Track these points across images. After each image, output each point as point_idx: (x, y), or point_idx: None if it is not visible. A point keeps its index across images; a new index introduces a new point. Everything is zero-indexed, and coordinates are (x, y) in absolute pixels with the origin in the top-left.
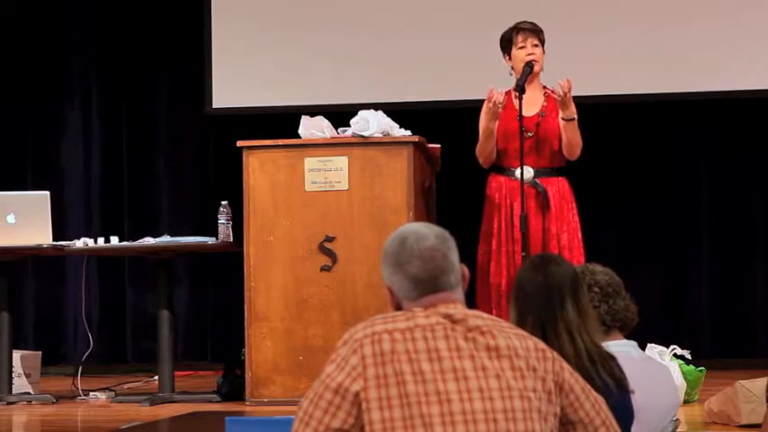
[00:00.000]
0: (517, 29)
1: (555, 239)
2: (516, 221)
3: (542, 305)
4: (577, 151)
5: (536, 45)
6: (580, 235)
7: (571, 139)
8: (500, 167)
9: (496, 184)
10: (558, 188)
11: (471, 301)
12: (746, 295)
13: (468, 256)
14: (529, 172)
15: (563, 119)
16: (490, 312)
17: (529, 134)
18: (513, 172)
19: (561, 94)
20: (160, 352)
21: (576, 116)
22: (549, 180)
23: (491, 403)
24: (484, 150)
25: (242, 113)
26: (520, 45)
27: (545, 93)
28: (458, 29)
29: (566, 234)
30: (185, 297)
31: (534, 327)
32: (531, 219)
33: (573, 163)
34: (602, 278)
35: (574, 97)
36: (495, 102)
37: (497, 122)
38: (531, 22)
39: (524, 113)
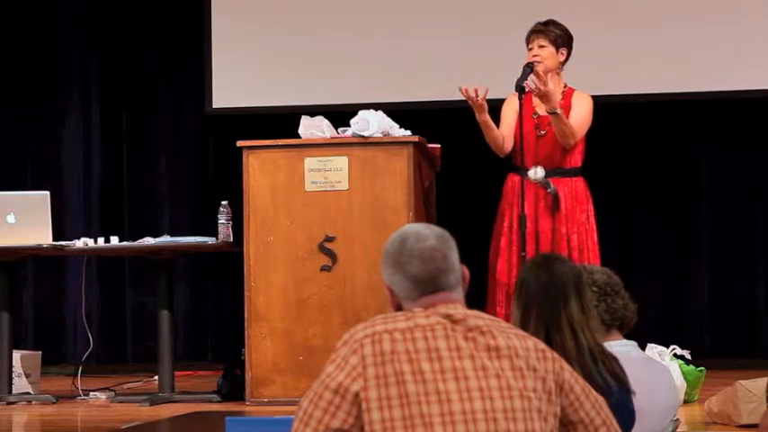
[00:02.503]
0: (531, 30)
1: (565, 240)
2: (528, 221)
3: (546, 302)
4: (570, 141)
5: (542, 46)
6: (595, 237)
7: (558, 132)
8: (515, 167)
9: (511, 183)
10: (571, 189)
11: (482, 299)
12: (746, 295)
13: (469, 256)
14: (541, 171)
15: (548, 113)
16: (496, 311)
17: (541, 132)
18: (525, 171)
19: (534, 90)
20: (160, 352)
21: (558, 110)
22: (562, 180)
23: (491, 403)
24: (489, 142)
25: (242, 113)
26: (529, 46)
27: (563, 92)
28: (458, 29)
29: (576, 235)
30: (185, 297)
31: (537, 323)
32: (540, 219)
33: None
34: (599, 277)
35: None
36: (468, 96)
37: (486, 114)
38: (545, 22)
39: (540, 112)
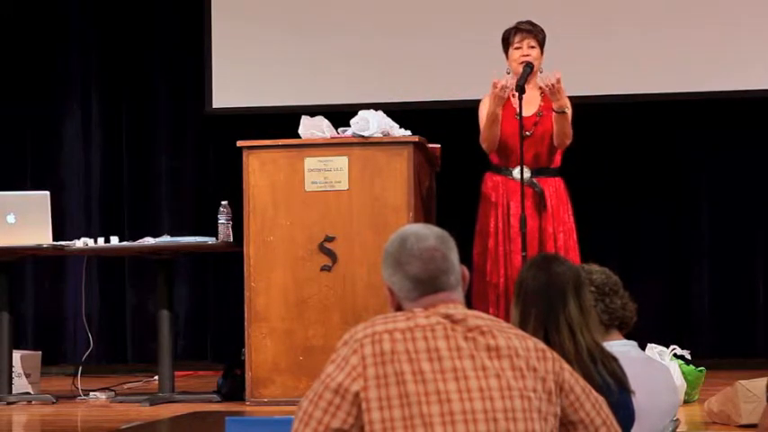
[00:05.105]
0: (515, 29)
1: (552, 239)
2: (513, 221)
3: (545, 303)
4: (567, 142)
5: (532, 46)
6: (575, 236)
7: (561, 132)
8: (497, 167)
9: (492, 183)
10: (555, 188)
11: (468, 301)
12: (746, 295)
13: (467, 256)
14: (527, 172)
15: (555, 111)
16: (487, 312)
17: (527, 134)
18: (511, 171)
19: (549, 85)
20: (160, 352)
21: (567, 109)
22: (546, 180)
23: (491, 403)
24: (488, 136)
25: (242, 113)
26: (516, 45)
27: (542, 93)
28: (458, 29)
29: (562, 234)
30: (185, 297)
31: (536, 324)
32: (527, 219)
33: (573, 163)
34: (598, 277)
35: (575, 96)
36: (501, 86)
37: (501, 109)
38: (530, 23)
39: (523, 113)
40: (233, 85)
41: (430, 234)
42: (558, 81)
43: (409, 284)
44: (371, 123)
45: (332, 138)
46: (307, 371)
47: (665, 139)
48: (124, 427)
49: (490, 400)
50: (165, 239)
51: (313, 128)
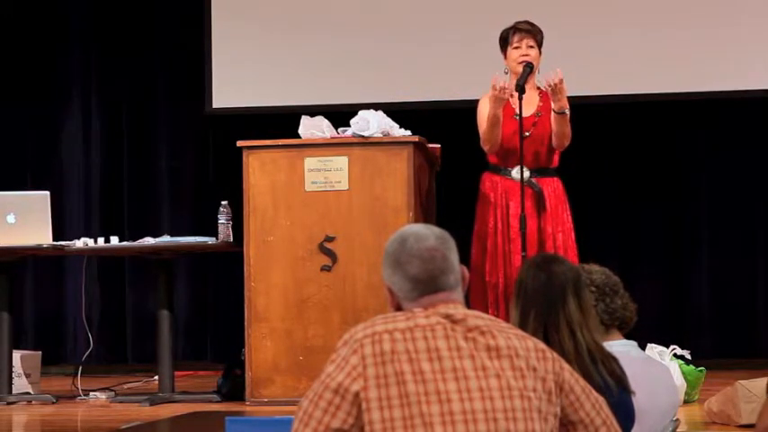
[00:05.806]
0: (514, 28)
1: (551, 239)
2: (512, 221)
3: (545, 302)
4: (566, 143)
5: (531, 46)
6: (574, 235)
7: (560, 132)
8: (495, 166)
9: (491, 183)
10: (554, 188)
11: (466, 301)
12: (746, 296)
13: (467, 256)
14: (525, 172)
15: (555, 111)
16: (486, 312)
17: (526, 134)
18: (510, 171)
19: (552, 84)
20: (160, 352)
21: (567, 110)
22: (545, 180)
23: (491, 403)
24: (490, 138)
25: (242, 113)
26: (515, 45)
27: (540, 93)
28: (457, 29)
29: (561, 234)
30: (185, 297)
31: (536, 323)
32: (527, 219)
33: (573, 163)
34: (598, 277)
35: (575, 96)
36: (500, 88)
37: (501, 111)
38: (529, 23)
39: (522, 113)
40: (233, 85)
41: (430, 234)
42: (561, 81)
43: (409, 284)
44: (371, 123)
45: (332, 138)
46: (307, 371)
47: (665, 139)
48: (124, 427)
49: (490, 399)
50: (165, 239)
51: (313, 128)
